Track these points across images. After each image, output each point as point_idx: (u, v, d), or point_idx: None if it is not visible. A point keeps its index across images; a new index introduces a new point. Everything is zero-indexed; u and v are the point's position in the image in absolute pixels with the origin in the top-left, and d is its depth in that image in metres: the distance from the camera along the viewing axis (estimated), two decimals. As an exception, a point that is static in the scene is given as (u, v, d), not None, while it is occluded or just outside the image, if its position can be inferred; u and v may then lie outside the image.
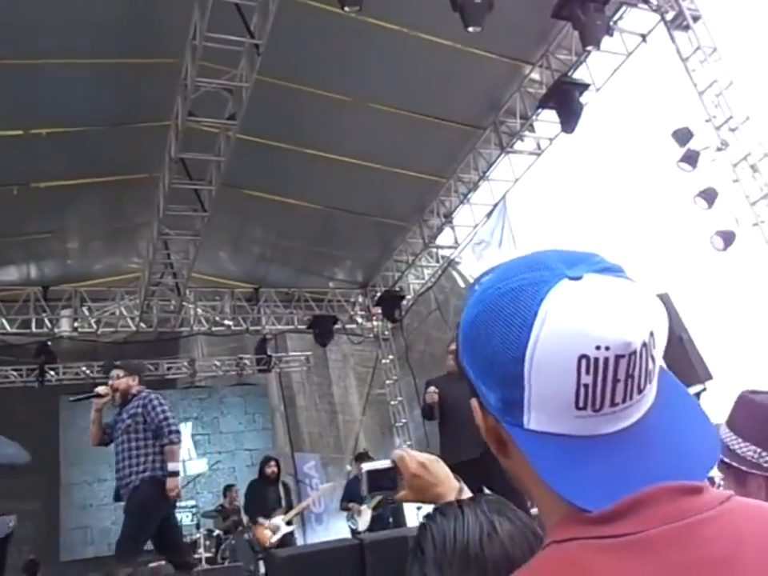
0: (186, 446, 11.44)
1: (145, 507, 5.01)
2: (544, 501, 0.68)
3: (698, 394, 5.18)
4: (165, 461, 5.05)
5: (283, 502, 7.99)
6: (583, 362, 0.61)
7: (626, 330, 0.61)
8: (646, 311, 0.64)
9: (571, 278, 0.64)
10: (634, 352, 0.62)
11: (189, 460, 11.35)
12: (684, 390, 0.72)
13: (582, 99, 7.53)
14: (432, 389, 5.53)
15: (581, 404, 0.62)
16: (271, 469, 8.15)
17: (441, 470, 1.44)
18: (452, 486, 1.42)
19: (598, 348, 0.61)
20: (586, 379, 0.61)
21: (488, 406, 0.69)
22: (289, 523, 7.79)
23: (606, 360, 0.61)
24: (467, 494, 1.41)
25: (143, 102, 7.36)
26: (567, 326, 0.61)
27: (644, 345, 0.62)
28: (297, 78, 7.39)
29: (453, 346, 5.53)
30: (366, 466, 1.48)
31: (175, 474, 5.11)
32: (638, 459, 0.64)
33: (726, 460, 1.59)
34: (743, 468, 1.57)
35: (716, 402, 5.15)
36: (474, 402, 0.72)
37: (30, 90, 6.74)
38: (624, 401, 0.63)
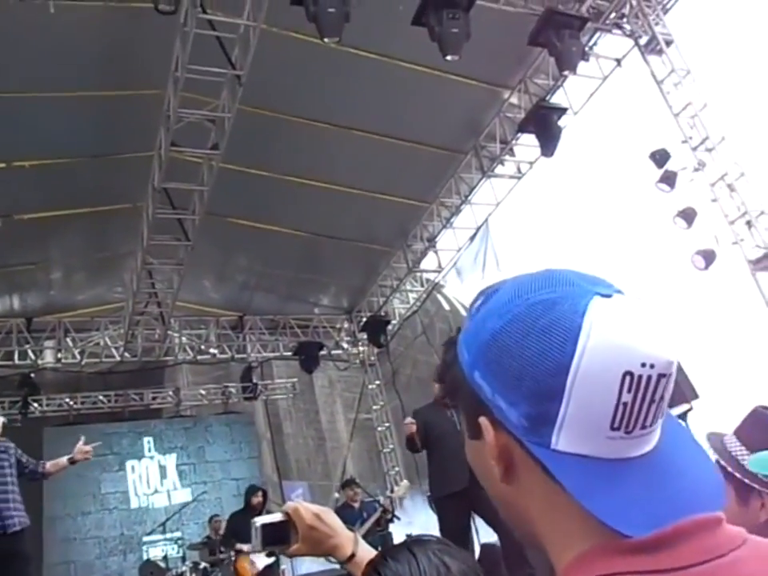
0: (171, 477, 11.32)
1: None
2: (560, 530, 0.64)
3: (684, 414, 5.22)
4: None
5: None
6: (627, 378, 0.60)
7: (669, 349, 0.61)
8: (674, 333, 0.64)
9: (602, 295, 0.63)
10: (671, 373, 0.62)
11: (174, 490, 11.22)
12: (673, 418, 0.71)
13: (561, 123, 7.66)
14: (409, 419, 5.43)
15: (616, 424, 0.61)
16: (258, 499, 8.04)
17: (335, 521, 1.43)
18: (347, 537, 1.42)
19: (643, 365, 0.60)
20: (627, 397, 0.60)
21: (506, 423, 0.65)
22: (270, 555, 7.62)
23: (649, 378, 0.60)
24: (364, 544, 1.41)
25: (126, 133, 7.38)
26: (613, 341, 0.60)
27: (675, 367, 0.62)
28: (279, 107, 7.47)
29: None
30: (260, 520, 1.43)
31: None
32: (663, 486, 0.62)
33: (730, 470, 1.60)
34: (746, 480, 1.58)
35: (701, 421, 5.19)
36: (483, 420, 0.67)
37: (13, 123, 6.74)
38: (652, 424, 0.62)
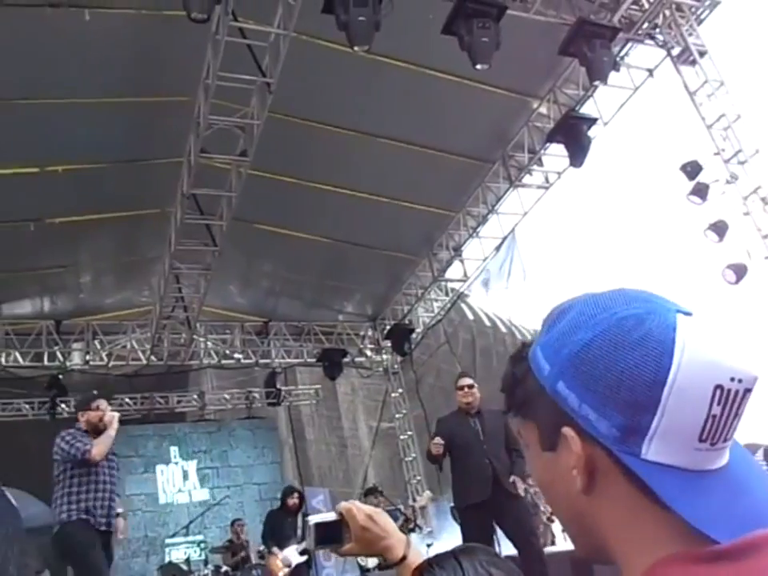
0: (192, 480, 11.39)
1: None
2: (640, 538, 0.66)
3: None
4: None
5: (299, 532, 7.88)
6: (718, 392, 0.62)
7: (753, 365, 0.64)
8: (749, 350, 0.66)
9: (684, 313, 0.66)
10: (753, 388, 0.64)
11: (194, 490, 11.31)
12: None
13: (590, 133, 7.59)
14: (438, 440, 5.28)
15: (704, 436, 0.63)
16: (293, 500, 8.06)
17: (388, 523, 1.44)
18: (399, 539, 1.42)
19: (732, 380, 0.62)
20: (716, 410, 0.62)
21: (594, 432, 0.66)
22: (303, 553, 7.67)
23: (737, 393, 0.63)
24: (414, 546, 1.42)
25: (156, 139, 7.47)
26: (706, 356, 0.63)
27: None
28: (307, 114, 7.50)
29: (467, 381, 5.47)
30: (313, 519, 1.45)
31: None
32: (740, 498, 0.64)
33: None
34: None
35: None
36: (569, 430, 0.67)
37: (46, 128, 6.86)
38: (731, 438, 0.65)
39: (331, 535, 1.43)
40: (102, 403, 5.17)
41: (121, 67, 6.50)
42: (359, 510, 1.43)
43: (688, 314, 0.66)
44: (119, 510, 5.12)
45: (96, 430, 4.94)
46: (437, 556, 1.12)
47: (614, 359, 0.64)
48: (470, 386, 5.40)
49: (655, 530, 0.64)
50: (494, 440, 5.19)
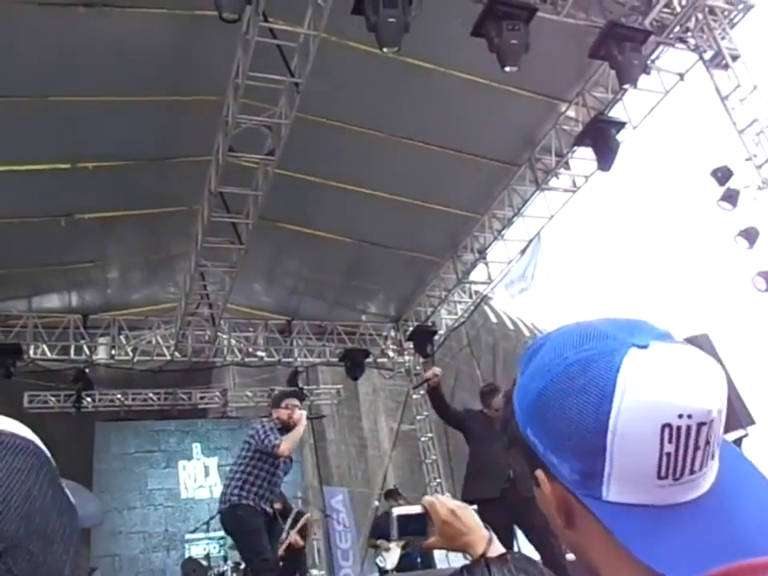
0: (214, 477, 11.47)
1: None
2: (619, 574, 0.66)
3: (739, 440, 5.05)
4: None
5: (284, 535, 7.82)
6: (666, 430, 0.61)
7: (705, 397, 0.62)
8: (717, 378, 0.64)
9: (639, 347, 0.64)
10: (713, 419, 0.62)
11: (215, 486, 11.38)
12: (738, 454, 0.71)
13: (619, 137, 7.53)
14: (437, 369, 5.35)
15: (662, 473, 0.62)
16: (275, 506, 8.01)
17: (471, 518, 1.44)
18: (482, 535, 1.42)
19: (680, 417, 0.61)
20: (669, 448, 0.61)
21: (560, 477, 0.68)
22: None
23: (689, 428, 0.61)
24: (497, 544, 1.41)
25: (184, 138, 7.54)
26: (649, 396, 0.62)
27: (719, 411, 0.63)
28: (334, 115, 7.53)
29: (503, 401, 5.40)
30: (397, 511, 1.48)
31: None
32: (718, 529, 0.63)
33: None
34: None
35: (759, 448, 5.01)
36: (540, 473, 0.70)
37: (77, 125, 6.96)
38: (701, 468, 0.63)
39: (414, 527, 1.45)
40: (293, 401, 5.46)
41: (152, 66, 6.58)
42: (442, 504, 1.44)
43: (644, 346, 0.64)
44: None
45: (286, 427, 5.22)
46: (469, 564, 1.13)
47: (562, 408, 0.65)
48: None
49: (629, 569, 0.63)
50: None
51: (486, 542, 1.41)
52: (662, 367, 0.63)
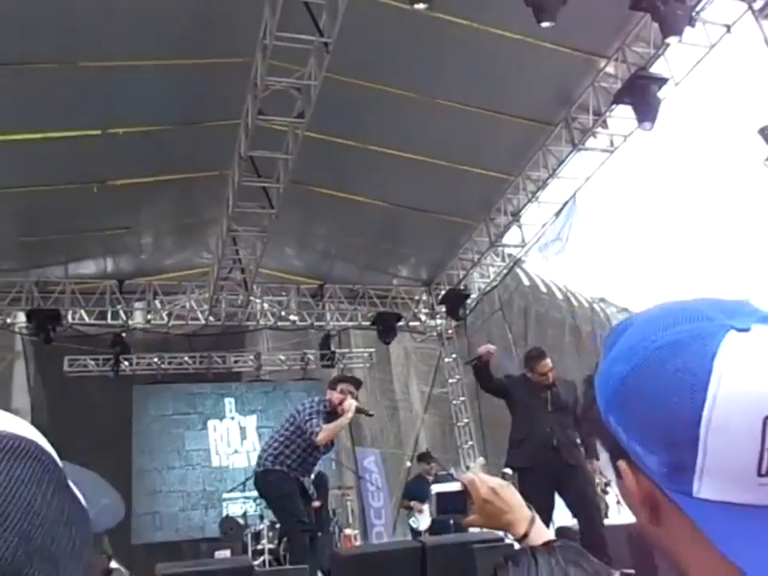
0: (251, 439, 11.66)
1: None
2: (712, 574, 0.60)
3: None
4: None
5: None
6: None
7: None
8: None
9: (738, 330, 0.58)
10: None
11: (253, 451, 11.57)
12: None
13: (660, 94, 7.26)
14: (491, 346, 5.31)
15: (764, 470, 0.56)
16: None
17: (513, 497, 1.40)
18: (524, 515, 1.38)
19: None
20: None
21: (645, 470, 0.62)
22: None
23: None
24: (539, 524, 1.37)
25: (214, 101, 7.48)
26: (749, 385, 0.56)
27: None
28: (365, 75, 7.38)
29: (549, 365, 5.31)
30: (436, 488, 1.47)
31: None
32: None
33: None
34: None
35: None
36: (622, 464, 0.64)
37: (107, 91, 6.94)
38: None
39: (454, 505, 1.43)
40: (349, 387, 5.40)
41: (180, 29, 6.49)
42: (483, 482, 1.41)
43: (745, 329, 0.58)
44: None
45: (334, 411, 5.19)
46: (515, 552, 1.09)
47: (649, 395, 0.60)
48: (552, 369, 5.31)
49: (722, 569, 0.57)
50: (563, 412, 5.12)
51: (528, 521, 1.37)
52: (763, 353, 0.57)
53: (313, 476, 5.49)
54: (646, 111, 7.19)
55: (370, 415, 6.12)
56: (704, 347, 0.58)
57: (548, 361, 5.32)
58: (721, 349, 0.57)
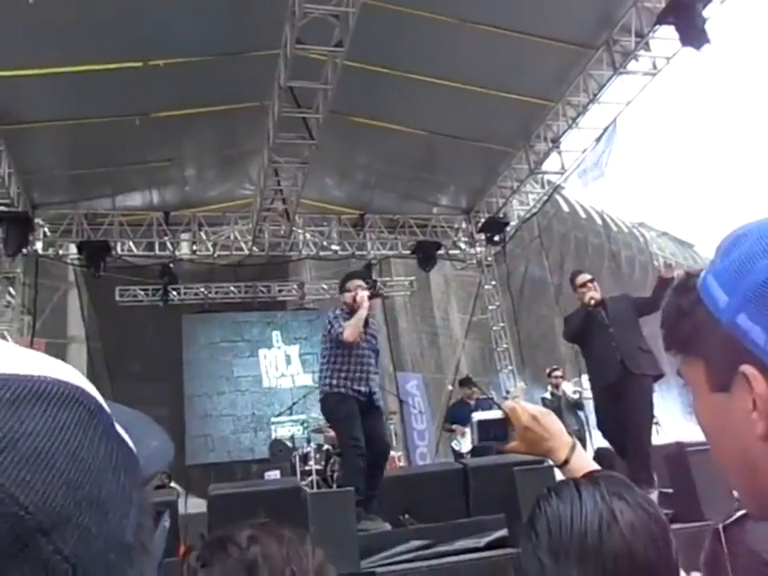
0: (296, 365, 12.09)
1: None
2: None
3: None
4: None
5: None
6: None
7: None
8: None
9: None
10: None
11: (297, 375, 12.01)
12: None
13: (705, 13, 7.03)
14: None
15: None
16: None
17: (553, 424, 1.42)
18: (565, 442, 1.41)
19: None
20: None
21: None
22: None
23: None
24: (579, 449, 1.41)
25: (252, 31, 7.47)
26: None
27: None
28: (401, 1, 7.29)
29: (587, 276, 5.64)
30: (477, 416, 1.50)
31: None
32: None
33: None
34: None
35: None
36: (747, 368, 0.59)
37: (146, 22, 6.99)
38: None
39: (495, 432, 1.46)
40: (356, 282, 5.35)
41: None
42: (524, 410, 1.42)
43: None
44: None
45: (353, 311, 5.15)
46: (558, 483, 1.09)
47: None
48: (591, 280, 5.60)
49: None
50: (621, 323, 5.37)
51: (569, 448, 1.39)
52: None
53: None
54: (691, 31, 6.99)
55: (384, 297, 6.15)
56: None
57: (584, 275, 5.67)
58: None
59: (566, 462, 1.38)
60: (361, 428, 5.02)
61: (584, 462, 1.39)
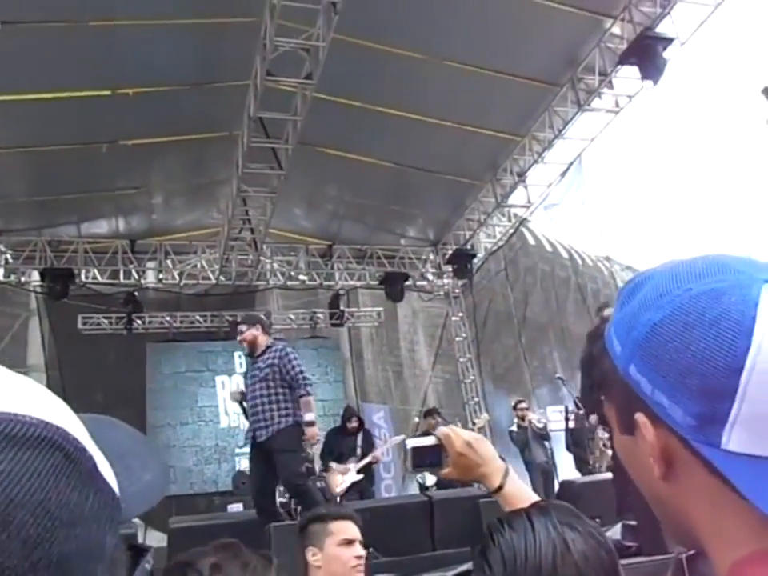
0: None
1: (297, 446, 5.51)
2: (725, 531, 0.59)
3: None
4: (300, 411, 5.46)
5: (359, 451, 8.25)
6: None
7: None
8: None
9: None
10: None
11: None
12: None
13: (666, 54, 7.28)
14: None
15: None
16: (352, 425, 8.46)
17: (486, 450, 1.41)
18: (497, 467, 1.40)
19: None
20: None
21: (668, 420, 0.59)
22: (359, 472, 8.06)
23: None
24: (513, 474, 1.41)
25: (223, 62, 7.54)
26: None
27: None
28: (372, 36, 7.41)
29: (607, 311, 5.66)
30: (411, 443, 1.50)
31: (313, 423, 5.52)
32: None
33: None
34: None
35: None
36: (641, 416, 0.61)
37: (116, 51, 6.99)
38: None
39: (430, 459, 1.44)
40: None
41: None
42: (458, 435, 1.41)
43: None
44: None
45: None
46: (510, 513, 1.09)
47: (685, 342, 0.57)
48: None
49: (741, 524, 0.57)
50: None
51: (502, 473, 1.39)
52: None
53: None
54: (652, 71, 7.22)
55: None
56: (744, 296, 0.57)
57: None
58: (762, 298, 0.56)
59: (500, 488, 1.38)
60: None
61: (518, 487, 1.39)
